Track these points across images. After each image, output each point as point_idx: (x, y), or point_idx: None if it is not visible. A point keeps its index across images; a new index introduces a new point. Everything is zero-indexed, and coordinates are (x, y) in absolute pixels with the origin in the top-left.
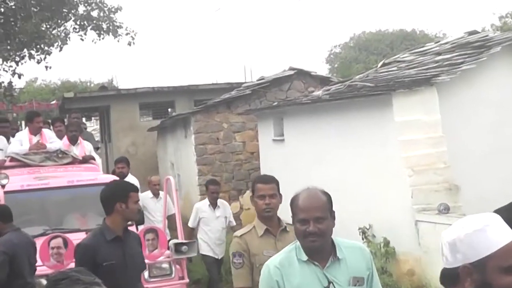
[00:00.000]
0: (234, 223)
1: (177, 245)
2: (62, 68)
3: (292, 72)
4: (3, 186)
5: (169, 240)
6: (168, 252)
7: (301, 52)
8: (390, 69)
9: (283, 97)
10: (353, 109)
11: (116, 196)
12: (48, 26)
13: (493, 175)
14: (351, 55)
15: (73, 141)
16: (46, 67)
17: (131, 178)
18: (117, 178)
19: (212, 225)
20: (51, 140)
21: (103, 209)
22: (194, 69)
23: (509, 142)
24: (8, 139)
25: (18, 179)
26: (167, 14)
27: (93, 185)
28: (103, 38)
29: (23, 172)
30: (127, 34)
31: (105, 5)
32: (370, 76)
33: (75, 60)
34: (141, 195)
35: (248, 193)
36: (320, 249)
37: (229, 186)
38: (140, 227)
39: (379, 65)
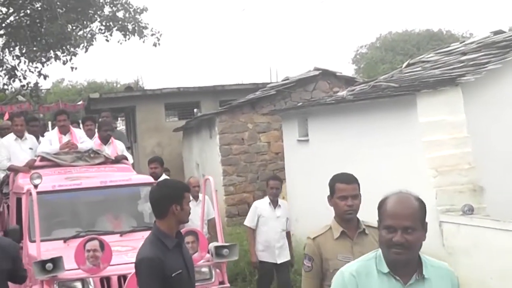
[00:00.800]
0: (291, 228)
1: (218, 248)
2: (88, 69)
3: (317, 73)
4: (36, 186)
5: (209, 243)
6: (208, 255)
7: (327, 53)
8: (414, 69)
9: (308, 97)
10: (377, 110)
11: (171, 198)
12: (74, 28)
13: None
14: (377, 56)
15: (105, 140)
16: (72, 68)
17: (164, 178)
18: (151, 178)
19: (270, 225)
20: (82, 139)
21: (154, 211)
22: (219, 70)
23: None
24: (37, 138)
25: (49, 179)
26: (193, 14)
27: (127, 185)
28: (128, 39)
29: (54, 172)
30: (152, 34)
31: (130, 6)
32: (395, 77)
33: (101, 61)
34: None
35: None
36: (404, 263)
37: (254, 187)
38: None
39: (404, 65)
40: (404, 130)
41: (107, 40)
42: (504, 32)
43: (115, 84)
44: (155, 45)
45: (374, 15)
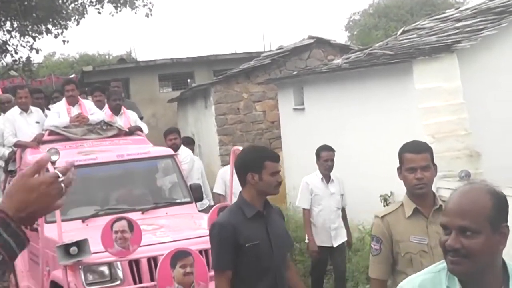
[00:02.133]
0: (347, 204)
1: None
2: (80, 42)
3: (311, 41)
4: (53, 163)
5: None
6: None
7: (320, 20)
8: (410, 37)
9: (302, 66)
10: (373, 77)
11: (248, 166)
12: (65, 0)
13: None
14: (370, 22)
15: (116, 111)
16: (64, 41)
17: (184, 150)
18: (171, 150)
19: (324, 204)
20: (92, 111)
21: (238, 179)
22: (213, 39)
23: None
24: (43, 111)
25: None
26: None
27: (146, 159)
28: (120, 11)
29: (64, 146)
30: (144, 5)
31: None
32: (390, 44)
33: (93, 33)
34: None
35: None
36: (466, 275)
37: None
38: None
39: (399, 32)
40: (400, 97)
41: (99, 13)
42: None
43: (107, 56)
44: (147, 16)
45: None
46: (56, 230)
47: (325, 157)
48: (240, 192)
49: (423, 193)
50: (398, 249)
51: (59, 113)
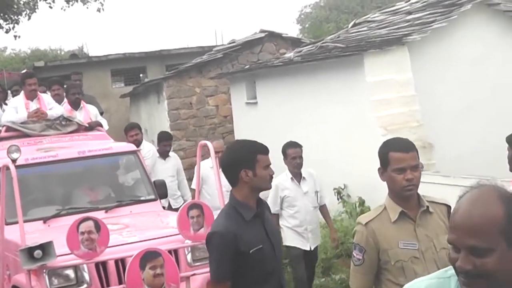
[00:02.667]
0: (326, 201)
1: None
2: (31, 37)
3: (263, 35)
4: (14, 161)
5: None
6: None
7: (271, 13)
8: (361, 29)
9: (254, 59)
10: (325, 70)
11: (240, 162)
12: None
13: (467, 133)
14: (322, 15)
15: (76, 105)
16: (15, 36)
17: (147, 145)
18: (133, 146)
19: (299, 205)
20: (50, 105)
21: (227, 178)
22: (165, 34)
23: (482, 99)
24: (0, 106)
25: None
26: None
27: (108, 155)
28: (72, 5)
29: (22, 143)
30: (95, 0)
31: None
32: (341, 37)
33: (45, 28)
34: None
35: None
36: None
37: (204, 150)
38: (174, 202)
39: (350, 25)
40: (352, 90)
41: (50, 7)
42: None
43: (59, 51)
44: (98, 10)
45: None
46: (17, 232)
47: (292, 154)
48: (231, 192)
49: (411, 195)
50: (387, 258)
51: (17, 108)
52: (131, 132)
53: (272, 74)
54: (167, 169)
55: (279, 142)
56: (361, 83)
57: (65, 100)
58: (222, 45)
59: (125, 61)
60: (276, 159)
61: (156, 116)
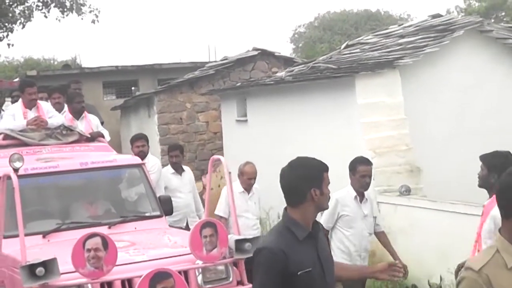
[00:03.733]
0: (382, 229)
1: (239, 242)
2: (25, 46)
3: (255, 53)
4: (16, 170)
5: None
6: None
7: (265, 32)
8: (353, 51)
9: (246, 77)
10: (316, 91)
11: (310, 180)
12: (10, 3)
13: (455, 158)
14: (315, 35)
15: (78, 114)
16: (9, 44)
17: (152, 158)
18: (138, 159)
19: (356, 227)
20: (50, 113)
21: (288, 197)
22: (158, 48)
23: (471, 125)
24: None
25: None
26: None
27: (112, 167)
28: (66, 16)
29: (20, 152)
30: (90, 11)
31: None
32: (334, 58)
33: (38, 38)
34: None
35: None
36: None
37: (192, 166)
38: (178, 219)
39: (343, 46)
40: (342, 112)
41: (45, 17)
42: (442, 15)
43: (52, 61)
44: (93, 22)
45: None
46: (15, 246)
47: (362, 172)
48: (286, 212)
49: None
50: None
51: (15, 116)
52: (137, 142)
53: (263, 92)
54: (184, 185)
55: (268, 160)
56: (352, 105)
57: (66, 108)
58: (215, 61)
59: (118, 74)
60: (265, 175)
61: (146, 130)
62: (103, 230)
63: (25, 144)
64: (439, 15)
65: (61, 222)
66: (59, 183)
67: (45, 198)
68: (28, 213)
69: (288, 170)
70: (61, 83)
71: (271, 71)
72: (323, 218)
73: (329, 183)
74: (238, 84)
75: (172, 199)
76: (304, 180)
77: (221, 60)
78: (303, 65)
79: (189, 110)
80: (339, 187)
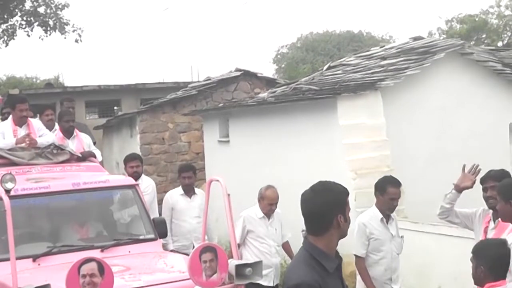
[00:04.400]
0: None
1: (239, 267)
2: (8, 64)
3: (238, 73)
4: (7, 191)
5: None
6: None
7: (248, 52)
8: (335, 73)
9: (229, 98)
10: (298, 112)
11: (336, 206)
12: None
13: (436, 179)
14: (298, 56)
15: (69, 133)
16: None
17: (146, 179)
18: (132, 180)
19: (385, 250)
20: (41, 131)
21: (312, 224)
22: (141, 68)
23: (452, 146)
24: None
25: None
26: (115, 11)
27: (105, 188)
28: (50, 35)
29: (9, 172)
30: (74, 31)
31: (52, 1)
32: (316, 79)
33: (21, 56)
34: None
35: None
36: None
37: (174, 186)
38: (183, 244)
39: (325, 68)
40: (324, 133)
41: (28, 35)
42: (423, 38)
43: (34, 80)
44: (76, 41)
45: (295, 15)
46: (5, 271)
47: (392, 194)
48: (309, 242)
49: None
50: None
51: (4, 134)
52: (132, 163)
53: (245, 113)
54: (193, 209)
55: (250, 181)
56: (334, 126)
57: (57, 127)
58: (198, 81)
59: (100, 93)
60: (247, 195)
61: (128, 150)
62: (96, 253)
63: (14, 164)
64: (420, 38)
65: (52, 245)
66: (50, 204)
67: (35, 220)
68: (17, 235)
69: (312, 195)
70: (43, 101)
71: (253, 92)
72: (355, 247)
73: (350, 209)
74: (221, 104)
75: (178, 223)
76: (329, 206)
77: (204, 81)
78: (285, 86)
79: (171, 130)
80: None
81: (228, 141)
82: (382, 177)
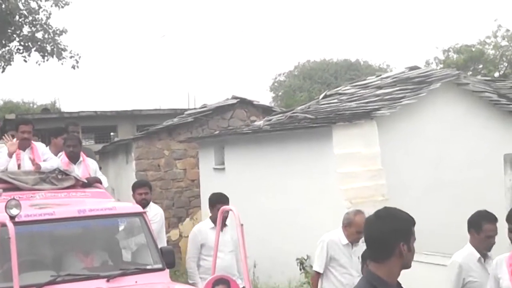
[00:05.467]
0: None
1: None
2: (4, 89)
3: (234, 101)
4: (12, 218)
5: None
6: None
7: (245, 80)
8: (331, 101)
9: (225, 125)
10: (294, 140)
11: (401, 233)
12: None
13: (431, 209)
14: (295, 84)
15: (74, 158)
16: None
17: (154, 207)
18: (139, 207)
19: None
20: (46, 155)
21: (373, 251)
22: (138, 94)
23: (448, 176)
24: None
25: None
26: (112, 38)
27: (111, 215)
28: (47, 60)
29: (12, 197)
30: (71, 57)
31: (50, 27)
32: (312, 108)
33: (18, 81)
34: None
35: (189, 220)
36: None
37: (169, 213)
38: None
39: (321, 96)
40: (319, 161)
41: (25, 61)
42: (419, 68)
43: (32, 105)
44: (73, 67)
45: (293, 43)
46: None
47: (489, 232)
48: (369, 270)
49: None
50: None
51: (5, 157)
52: (140, 189)
53: (241, 141)
54: (226, 243)
55: (244, 209)
56: (329, 155)
57: (63, 152)
58: (194, 108)
59: (97, 119)
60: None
61: (124, 176)
62: (101, 283)
63: (18, 188)
64: (416, 67)
65: (56, 273)
66: (54, 232)
67: (39, 247)
68: (20, 263)
69: (376, 221)
70: (39, 127)
71: (249, 120)
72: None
73: (415, 239)
74: (216, 132)
75: (210, 258)
76: (393, 234)
77: (200, 108)
78: (281, 114)
79: (167, 157)
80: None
81: (223, 169)
82: (476, 213)
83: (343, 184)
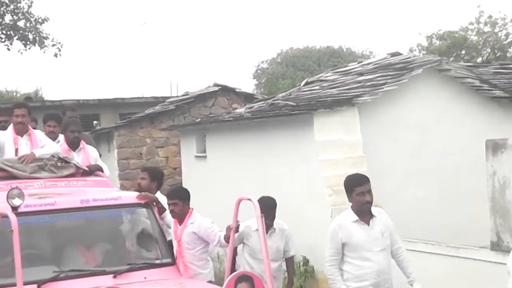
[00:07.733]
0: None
1: None
2: None
3: (216, 88)
4: (14, 208)
5: None
6: None
7: (227, 67)
8: (312, 88)
9: (207, 113)
10: (275, 128)
11: None
12: None
13: (413, 195)
14: (278, 71)
15: (74, 145)
16: None
17: (160, 196)
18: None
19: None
20: (43, 142)
21: None
22: (120, 82)
23: (430, 162)
24: None
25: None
26: (94, 26)
27: (117, 206)
28: (29, 49)
29: (8, 186)
30: (53, 45)
31: (32, 15)
32: (293, 95)
33: (1, 70)
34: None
35: None
36: None
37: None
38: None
39: (302, 83)
40: (300, 149)
41: (8, 49)
42: (401, 54)
43: (15, 94)
44: (56, 55)
45: (275, 30)
46: None
47: (359, 191)
48: None
49: None
50: None
51: (4, 144)
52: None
53: (222, 128)
54: (269, 248)
55: (227, 196)
56: (310, 142)
57: (60, 138)
58: (176, 96)
59: (79, 107)
60: (223, 211)
61: (106, 164)
62: (108, 280)
63: (14, 177)
64: (398, 53)
65: (58, 269)
66: (55, 223)
67: (39, 240)
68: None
69: None
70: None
71: (231, 107)
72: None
73: None
74: (198, 120)
75: (255, 261)
76: None
77: (182, 96)
78: (262, 102)
79: (149, 145)
80: (297, 223)
81: (205, 156)
82: (346, 177)
83: (324, 171)
